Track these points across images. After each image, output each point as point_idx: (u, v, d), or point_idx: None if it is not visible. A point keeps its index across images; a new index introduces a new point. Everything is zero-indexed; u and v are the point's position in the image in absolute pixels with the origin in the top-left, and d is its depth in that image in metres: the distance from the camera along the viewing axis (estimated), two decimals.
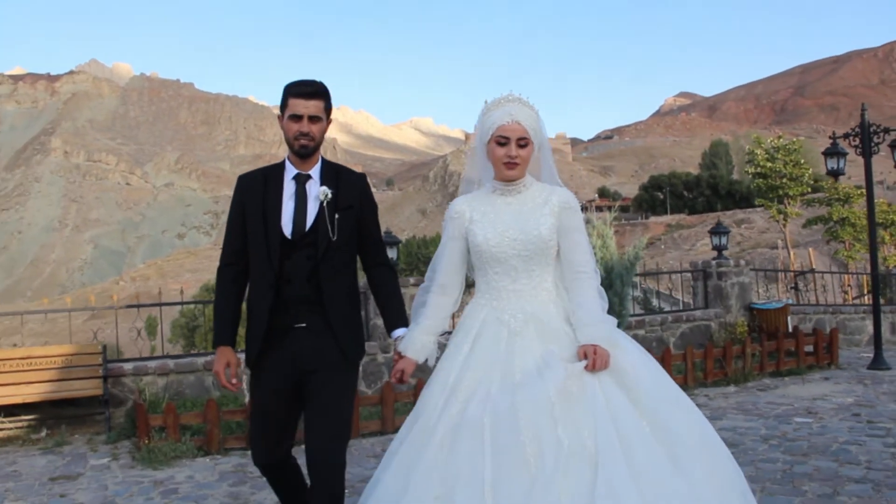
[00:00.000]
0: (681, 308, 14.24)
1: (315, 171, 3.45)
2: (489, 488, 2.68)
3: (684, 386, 8.84)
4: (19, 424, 7.55)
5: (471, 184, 3.36)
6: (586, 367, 2.85)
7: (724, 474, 2.88)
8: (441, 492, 2.74)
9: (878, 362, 10.77)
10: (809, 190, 32.03)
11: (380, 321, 4.01)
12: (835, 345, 11.04)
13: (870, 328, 12.91)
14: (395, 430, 3.39)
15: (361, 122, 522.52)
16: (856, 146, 11.23)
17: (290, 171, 3.45)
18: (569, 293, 3.13)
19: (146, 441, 6.57)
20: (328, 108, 3.44)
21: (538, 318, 3.05)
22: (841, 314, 14.26)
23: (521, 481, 2.68)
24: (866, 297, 18.63)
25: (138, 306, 9.23)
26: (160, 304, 9.33)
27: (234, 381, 3.40)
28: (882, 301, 16.32)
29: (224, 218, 3.73)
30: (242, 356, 3.60)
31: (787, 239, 34.27)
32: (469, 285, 3.35)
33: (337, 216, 3.38)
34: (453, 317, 3.43)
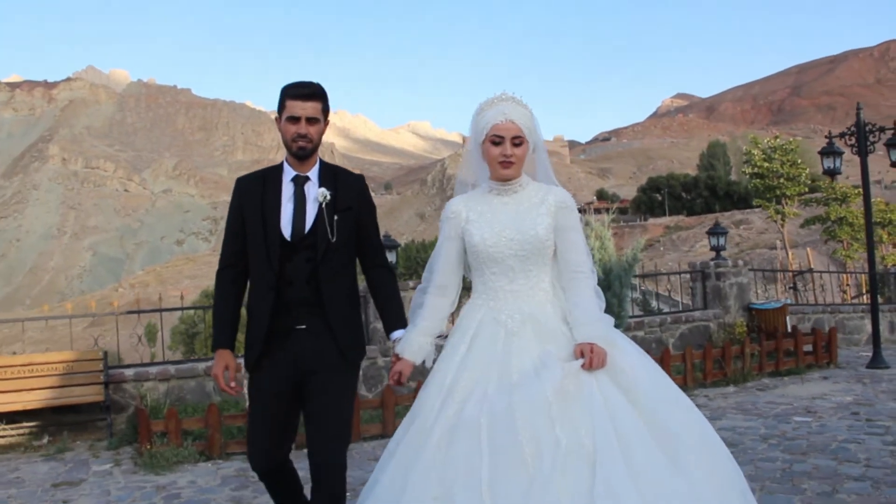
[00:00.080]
0: (680, 309, 14.26)
1: (313, 173, 3.46)
2: (487, 488, 2.67)
3: (684, 386, 8.86)
4: (21, 431, 7.57)
5: (465, 186, 3.35)
6: (583, 366, 2.84)
7: (724, 474, 2.86)
8: (439, 492, 2.72)
9: (876, 361, 10.81)
10: (807, 190, 32.07)
11: (380, 325, 4.01)
12: (833, 344, 11.08)
13: (868, 327, 12.93)
14: None
15: (359, 127, 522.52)
16: (852, 145, 11.27)
17: (289, 172, 3.45)
18: (565, 293, 3.12)
19: (148, 446, 6.59)
20: (326, 110, 3.44)
21: (535, 319, 3.04)
22: (840, 314, 14.29)
23: (519, 481, 2.66)
24: (865, 297, 18.65)
25: (138, 312, 9.25)
26: (160, 310, 9.34)
27: (232, 384, 3.41)
28: (881, 300, 16.37)
29: (222, 224, 3.75)
30: (242, 361, 3.60)
31: (786, 239, 34.29)
32: (466, 288, 3.33)
33: (336, 217, 3.39)
34: (451, 317, 3.42)
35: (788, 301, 14.44)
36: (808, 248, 32.99)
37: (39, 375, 7.67)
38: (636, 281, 15.42)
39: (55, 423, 7.71)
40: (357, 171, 3.74)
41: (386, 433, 7.25)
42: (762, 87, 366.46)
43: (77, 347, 8.72)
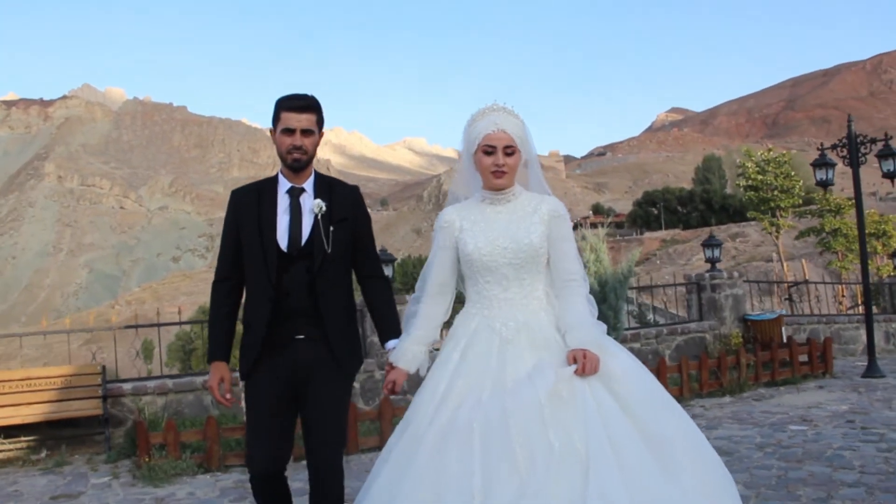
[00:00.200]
0: (676, 321, 14.32)
1: (308, 185, 3.47)
2: (479, 493, 2.67)
3: (680, 397, 8.91)
4: (19, 445, 7.58)
5: (456, 200, 3.35)
6: (576, 371, 2.85)
7: (715, 481, 2.86)
8: (430, 498, 2.72)
9: (872, 370, 10.86)
10: (801, 202, 32.24)
11: (377, 338, 4.03)
12: (829, 354, 11.13)
13: (864, 337, 12.99)
14: None
15: (355, 143, 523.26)
16: (844, 157, 11.37)
17: (284, 184, 3.46)
18: (558, 300, 3.14)
19: (147, 459, 6.61)
20: (320, 122, 3.47)
21: (530, 327, 3.05)
22: (835, 324, 14.36)
23: (511, 485, 2.66)
24: (860, 307, 18.73)
25: (136, 326, 9.28)
26: (158, 325, 9.39)
27: (227, 396, 3.43)
28: (876, 310, 16.47)
29: (219, 240, 3.77)
30: (238, 374, 3.61)
31: (781, 251, 34.43)
32: (459, 301, 3.34)
33: (332, 229, 3.40)
34: (444, 326, 3.42)
35: (784, 312, 14.51)
36: (804, 260, 33.20)
37: (37, 390, 7.69)
38: (632, 294, 15.50)
39: (53, 437, 7.73)
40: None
41: (383, 445, 7.26)
42: (756, 100, 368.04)
43: (74, 363, 8.73)
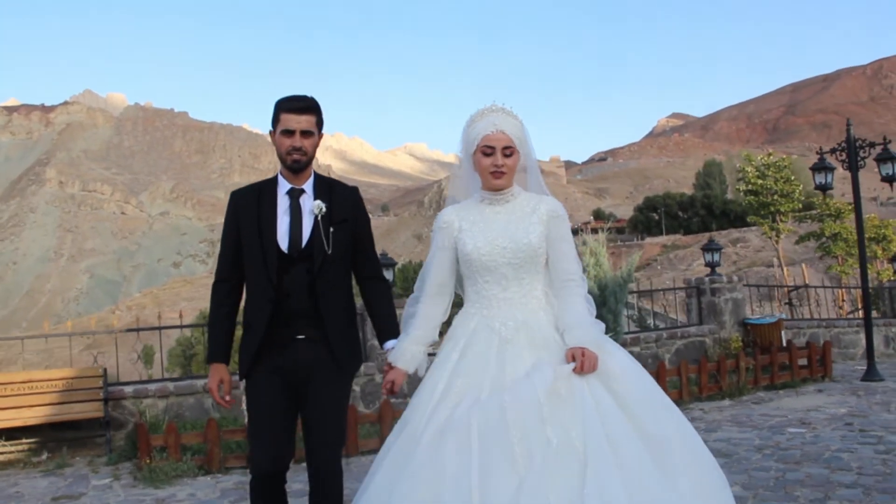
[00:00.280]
0: (676, 325, 14.33)
1: (308, 186, 3.49)
2: (477, 489, 2.67)
3: (679, 400, 8.94)
4: (20, 448, 7.60)
5: (455, 203, 3.36)
6: (575, 369, 2.86)
7: (711, 483, 2.88)
8: (427, 496, 2.72)
9: (871, 374, 10.89)
10: (800, 206, 32.30)
11: (377, 343, 4.01)
12: (828, 357, 11.15)
13: (864, 342, 13.02)
14: None
15: (356, 149, 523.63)
16: (843, 161, 11.41)
17: (284, 185, 3.48)
18: (557, 300, 3.16)
19: (147, 461, 6.64)
20: (320, 123, 3.48)
21: (529, 326, 3.06)
22: (835, 328, 14.38)
23: (510, 482, 2.66)
24: (860, 312, 18.75)
25: (137, 330, 9.32)
26: (159, 328, 9.44)
27: (227, 397, 3.45)
28: (877, 314, 16.49)
29: (220, 246, 3.77)
30: (237, 377, 3.61)
31: (781, 255, 34.47)
32: (456, 304, 3.35)
33: (332, 230, 3.42)
34: (442, 327, 3.42)
35: (783, 316, 14.52)
36: (804, 265, 33.17)
37: (39, 392, 7.71)
38: (633, 299, 15.55)
39: (54, 439, 7.75)
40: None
41: None
42: (757, 105, 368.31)
43: (76, 366, 8.76)
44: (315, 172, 3.56)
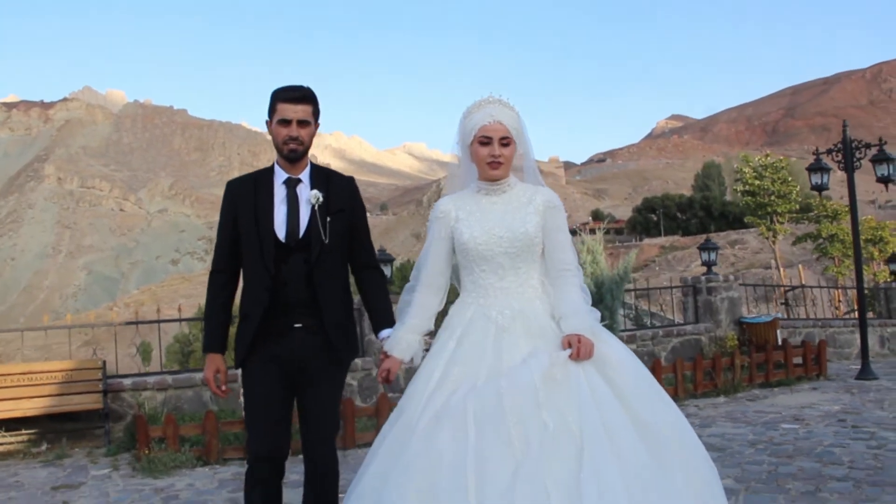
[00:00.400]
0: (672, 323, 14.39)
1: (305, 175, 3.50)
2: (473, 474, 2.67)
3: (674, 397, 8.97)
4: (20, 438, 7.66)
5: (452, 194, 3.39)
6: (571, 356, 2.88)
7: (702, 474, 2.90)
8: (423, 482, 2.73)
9: (865, 372, 10.96)
10: (798, 207, 32.40)
11: (374, 337, 4.00)
12: (823, 356, 11.22)
13: (859, 341, 13.10)
14: None
15: (355, 148, 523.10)
16: (839, 162, 11.49)
17: (280, 175, 3.49)
18: (553, 289, 3.19)
19: (146, 451, 6.70)
20: (316, 113, 3.49)
21: (525, 315, 3.08)
22: (830, 328, 14.45)
23: (506, 466, 2.67)
24: (856, 313, 18.84)
25: (136, 323, 9.38)
26: (158, 321, 9.50)
27: (223, 387, 3.48)
28: (872, 315, 16.57)
29: (216, 237, 3.75)
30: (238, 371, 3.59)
31: (778, 256, 34.59)
32: (449, 301, 3.37)
33: (328, 219, 3.44)
34: (438, 317, 3.43)
35: (779, 315, 14.59)
36: (800, 265, 33.24)
37: (38, 384, 7.76)
38: (630, 299, 15.57)
39: (54, 430, 7.80)
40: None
41: None
42: (756, 108, 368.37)
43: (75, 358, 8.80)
44: (311, 162, 3.58)
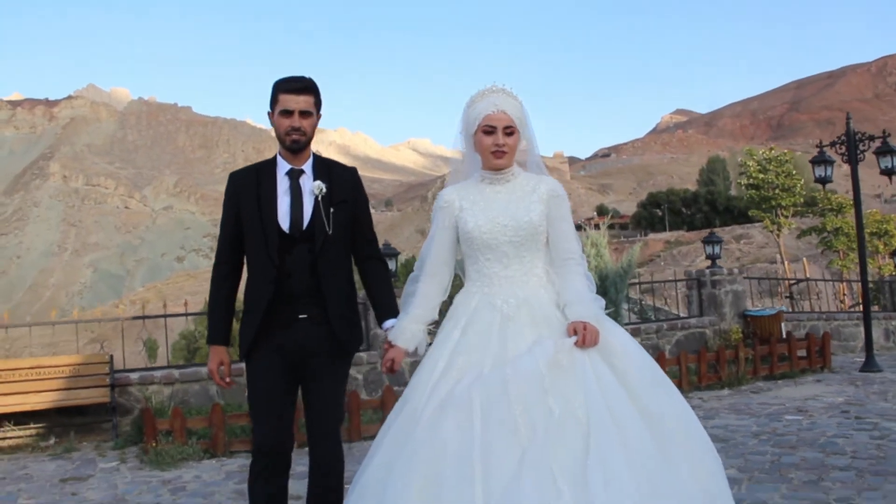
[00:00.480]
0: (676, 316, 14.42)
1: (307, 166, 3.50)
2: (479, 463, 2.66)
3: (678, 390, 9.01)
4: (28, 432, 7.73)
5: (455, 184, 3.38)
6: (576, 343, 2.88)
7: (706, 463, 2.89)
8: (428, 472, 2.72)
9: (869, 365, 10.97)
10: (802, 201, 32.36)
11: (381, 331, 3.99)
12: (827, 349, 11.24)
13: (864, 334, 13.11)
14: None
15: (359, 144, 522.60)
16: (842, 154, 11.49)
17: (283, 166, 3.48)
18: (558, 278, 3.19)
19: (153, 444, 6.76)
20: (318, 103, 3.48)
21: (530, 304, 3.08)
22: (835, 321, 14.45)
23: (512, 453, 2.66)
24: (861, 306, 18.83)
25: (143, 318, 9.44)
26: (165, 316, 9.57)
27: (227, 379, 3.49)
28: (877, 308, 16.56)
29: (220, 229, 3.75)
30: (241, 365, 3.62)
31: (782, 250, 34.57)
32: (453, 293, 3.38)
33: (332, 210, 3.44)
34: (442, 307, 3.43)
35: (783, 308, 14.60)
36: (805, 258, 33.21)
37: (46, 378, 7.84)
38: (635, 294, 15.61)
39: (61, 424, 7.87)
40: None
41: None
42: (761, 102, 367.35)
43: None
44: (314, 153, 3.57)
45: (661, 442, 2.78)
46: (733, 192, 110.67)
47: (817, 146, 12.35)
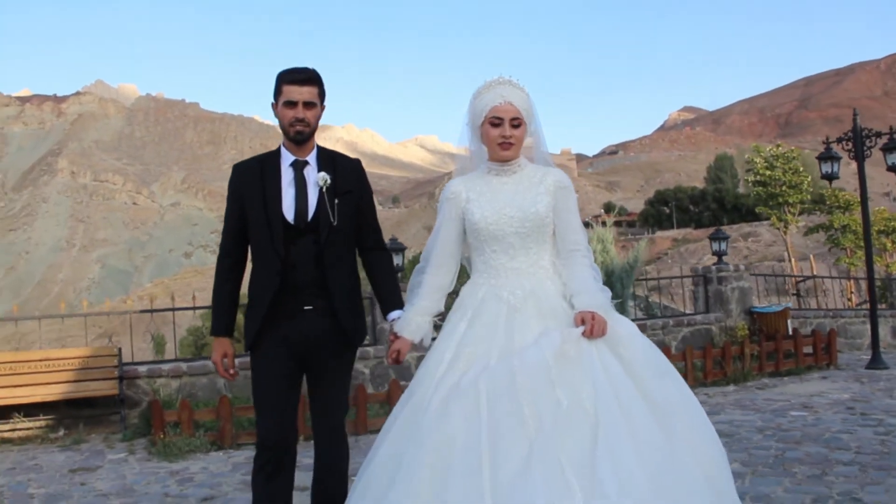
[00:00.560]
0: (682, 313, 14.41)
1: (311, 158, 3.49)
2: (487, 454, 2.65)
3: None
4: (38, 424, 7.80)
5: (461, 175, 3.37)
6: (584, 333, 2.87)
7: (712, 455, 2.88)
8: (436, 462, 2.70)
9: (875, 362, 10.97)
10: (809, 198, 32.28)
11: (387, 325, 3.98)
12: (833, 346, 11.24)
13: (870, 331, 13.09)
14: None
15: (367, 141, 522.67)
16: (849, 150, 11.48)
17: (287, 157, 3.48)
18: (564, 268, 3.19)
19: (161, 436, 6.82)
20: (322, 94, 3.46)
21: (536, 295, 3.08)
22: (841, 318, 14.43)
23: (520, 445, 2.65)
24: (868, 303, 18.81)
25: (151, 311, 9.50)
26: (173, 309, 9.66)
27: (231, 371, 3.51)
28: (884, 306, 16.54)
29: (224, 222, 3.77)
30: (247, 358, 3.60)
31: (789, 247, 34.52)
32: (459, 284, 3.36)
33: (336, 201, 3.44)
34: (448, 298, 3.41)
35: (789, 305, 14.58)
36: (812, 256, 33.16)
37: (56, 370, 7.91)
38: (641, 292, 15.57)
39: (71, 416, 7.94)
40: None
41: None
42: (769, 99, 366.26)
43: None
44: (318, 145, 3.56)
45: (667, 432, 2.77)
46: (741, 189, 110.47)
47: (824, 142, 12.33)
